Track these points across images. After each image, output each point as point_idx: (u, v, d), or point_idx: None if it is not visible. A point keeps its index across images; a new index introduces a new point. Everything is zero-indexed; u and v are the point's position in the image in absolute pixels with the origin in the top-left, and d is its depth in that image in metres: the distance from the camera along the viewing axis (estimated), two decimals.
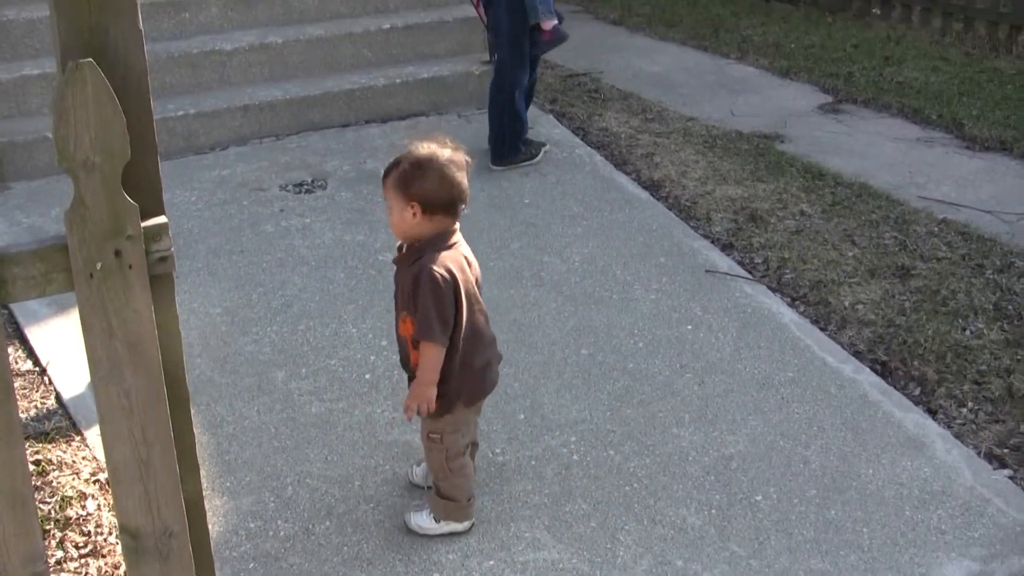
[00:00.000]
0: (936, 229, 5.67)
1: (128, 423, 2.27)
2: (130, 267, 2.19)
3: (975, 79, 8.20)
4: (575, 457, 3.91)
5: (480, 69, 7.40)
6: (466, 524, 3.57)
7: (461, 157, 3.27)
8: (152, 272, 2.23)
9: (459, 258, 3.29)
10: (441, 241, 3.27)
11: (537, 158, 6.45)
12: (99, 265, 2.16)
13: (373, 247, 5.48)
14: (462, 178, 3.24)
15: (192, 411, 4.08)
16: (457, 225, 3.31)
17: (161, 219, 2.25)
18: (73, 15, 2.11)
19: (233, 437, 4.06)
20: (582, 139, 6.89)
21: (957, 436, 4.08)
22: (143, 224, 2.20)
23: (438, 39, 7.71)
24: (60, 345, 4.57)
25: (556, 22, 6.12)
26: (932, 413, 4.23)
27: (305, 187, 6.21)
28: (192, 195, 6.16)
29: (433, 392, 3.29)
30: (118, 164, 2.13)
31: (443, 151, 3.23)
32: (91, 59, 2.07)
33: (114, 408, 2.25)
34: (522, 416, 4.14)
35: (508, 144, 6.35)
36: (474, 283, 3.38)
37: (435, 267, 3.19)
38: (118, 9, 2.14)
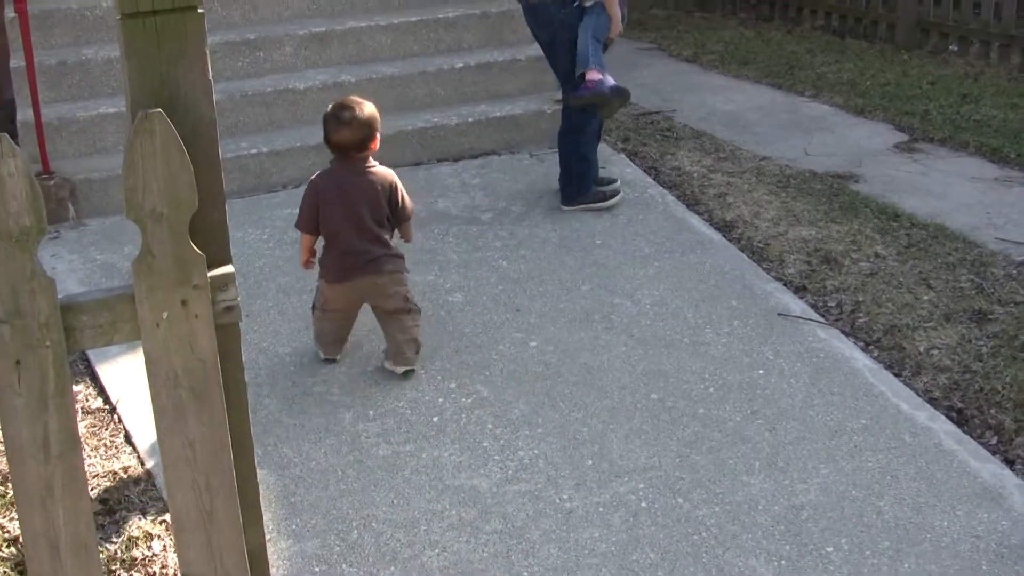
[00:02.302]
0: (1014, 272, 5.57)
1: (192, 472, 2.27)
2: (196, 316, 2.19)
3: None
4: (643, 504, 3.87)
5: (552, 108, 7.39)
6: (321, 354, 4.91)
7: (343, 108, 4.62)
8: (218, 321, 2.23)
9: (330, 178, 4.69)
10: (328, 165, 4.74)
11: (608, 202, 6.38)
12: (165, 315, 2.16)
13: (443, 287, 5.47)
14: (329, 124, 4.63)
15: (259, 452, 4.12)
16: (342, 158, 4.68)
17: (228, 269, 2.25)
18: (144, 64, 2.12)
19: (300, 479, 4.06)
20: (654, 179, 6.85)
21: None
22: (210, 274, 2.20)
23: (510, 77, 7.72)
24: (131, 383, 4.60)
25: (600, 77, 6.02)
26: (1010, 463, 4.14)
27: None
28: (264, 233, 6.19)
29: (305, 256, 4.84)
30: (185, 214, 2.14)
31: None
32: (160, 109, 2.07)
33: (178, 457, 2.25)
34: (590, 462, 4.10)
35: (576, 186, 6.32)
36: (341, 197, 4.62)
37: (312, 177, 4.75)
38: (188, 59, 2.15)
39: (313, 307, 4.89)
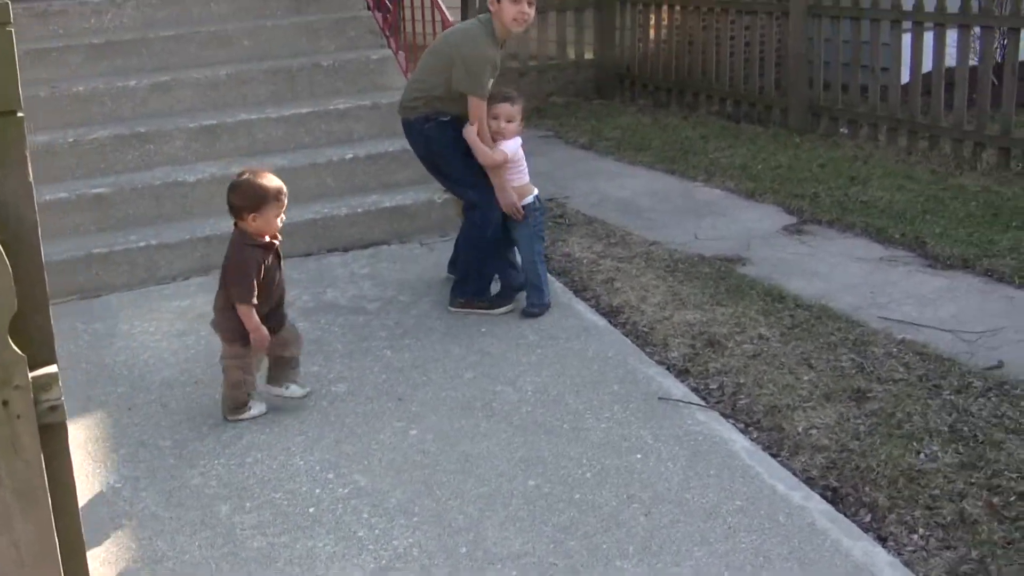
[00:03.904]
0: (895, 350, 5.65)
1: (19, 574, 2.23)
2: (18, 417, 2.17)
3: (939, 197, 8.24)
4: None
5: (442, 197, 7.45)
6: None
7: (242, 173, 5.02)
8: (42, 421, 2.21)
9: None
10: None
11: (496, 310, 6.29)
12: None
13: (327, 378, 5.46)
14: None
15: (133, 547, 4.08)
16: None
17: (51, 369, 2.23)
18: None
19: (173, 572, 4.00)
20: None
21: (907, 564, 4.02)
22: (32, 374, 2.19)
23: (401, 168, 7.76)
24: None
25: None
26: (882, 540, 4.18)
27: None
28: (151, 326, 6.16)
29: None
30: (4, 317, 2.12)
31: None
32: None
33: (4, 558, 2.22)
34: (464, 549, 4.08)
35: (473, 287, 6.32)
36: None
37: None
38: (9, 165, 2.15)
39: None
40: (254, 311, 4.90)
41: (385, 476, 4.59)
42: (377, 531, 4.22)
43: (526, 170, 6.19)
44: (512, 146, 6.09)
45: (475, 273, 6.27)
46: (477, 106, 5.99)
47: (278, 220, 4.94)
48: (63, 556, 2.26)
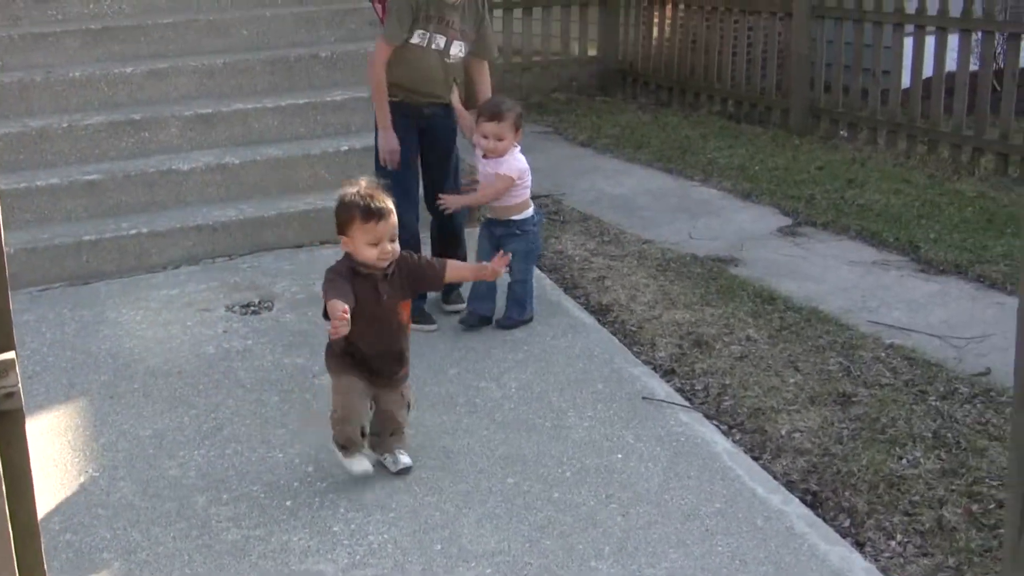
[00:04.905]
0: (883, 355, 5.63)
1: None
2: None
3: (936, 202, 8.21)
4: None
5: None
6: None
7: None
8: None
9: None
10: None
11: (426, 327, 5.97)
12: None
13: (311, 371, 5.45)
14: None
15: (107, 536, 4.06)
16: None
17: (8, 355, 2.21)
18: None
19: (145, 563, 3.99)
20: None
21: (883, 570, 4.00)
22: None
23: None
24: None
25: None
26: (860, 546, 4.16)
27: (252, 308, 6.20)
28: (138, 314, 6.15)
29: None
30: None
31: None
32: None
33: None
34: (439, 546, 4.06)
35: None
36: None
37: None
38: None
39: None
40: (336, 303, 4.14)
41: None
42: (353, 526, 4.20)
43: (528, 185, 5.95)
44: (507, 167, 5.79)
45: None
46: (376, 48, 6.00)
47: (377, 249, 4.29)
48: (17, 542, 2.24)
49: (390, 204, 4.31)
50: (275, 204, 7.23)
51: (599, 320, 6.08)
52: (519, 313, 5.97)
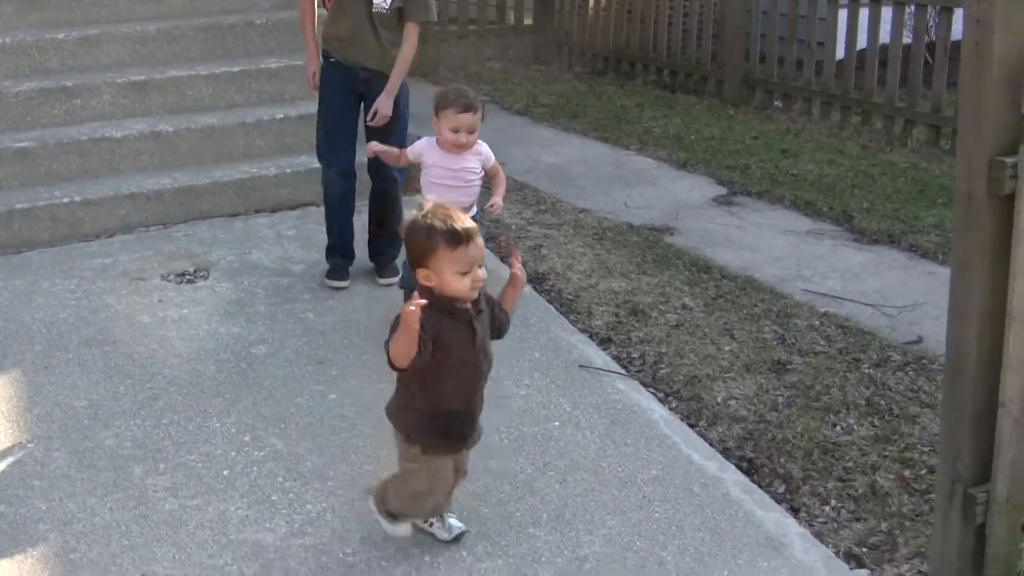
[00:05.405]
0: (817, 323, 5.69)
1: None
2: None
3: (869, 172, 8.29)
4: (426, 558, 3.84)
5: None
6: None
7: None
8: None
9: None
10: None
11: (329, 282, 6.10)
12: None
13: (247, 340, 5.42)
14: None
15: (42, 507, 4.03)
16: None
17: None
18: None
19: (82, 535, 3.95)
20: None
21: (817, 535, 4.05)
22: None
23: None
24: None
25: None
26: (795, 511, 4.21)
27: (187, 277, 6.15)
28: (71, 284, 6.08)
29: None
30: None
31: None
32: None
33: None
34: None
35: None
36: None
37: None
38: None
39: None
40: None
41: (302, 440, 4.57)
42: (291, 495, 4.19)
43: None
44: (486, 156, 5.34)
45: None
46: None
47: (469, 277, 3.49)
48: None
49: (471, 222, 3.55)
50: (209, 172, 7.17)
51: (535, 288, 6.09)
52: None
